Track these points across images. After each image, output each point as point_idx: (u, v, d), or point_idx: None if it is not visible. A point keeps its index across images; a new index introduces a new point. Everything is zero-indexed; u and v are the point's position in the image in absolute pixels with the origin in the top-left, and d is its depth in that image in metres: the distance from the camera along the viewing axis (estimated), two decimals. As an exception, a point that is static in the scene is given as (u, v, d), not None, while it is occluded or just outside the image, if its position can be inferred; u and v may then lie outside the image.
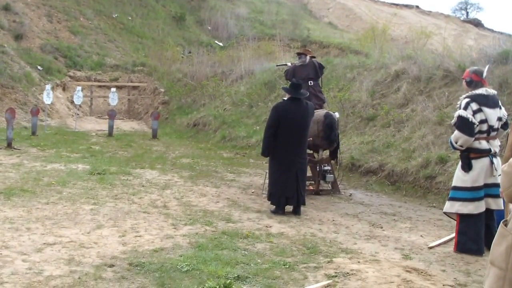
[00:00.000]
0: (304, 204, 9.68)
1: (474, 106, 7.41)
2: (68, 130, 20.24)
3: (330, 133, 11.08)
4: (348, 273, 6.30)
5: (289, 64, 12.90)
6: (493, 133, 7.55)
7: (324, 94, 12.98)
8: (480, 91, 7.54)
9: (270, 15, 41.20)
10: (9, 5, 27.62)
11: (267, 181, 10.19)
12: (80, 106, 23.63)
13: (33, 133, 17.59)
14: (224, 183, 11.92)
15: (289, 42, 31.18)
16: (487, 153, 7.49)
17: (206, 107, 22.41)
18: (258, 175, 12.96)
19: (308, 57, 12.25)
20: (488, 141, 7.52)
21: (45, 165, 12.47)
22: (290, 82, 10.47)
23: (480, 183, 7.47)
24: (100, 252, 6.71)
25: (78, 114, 23.16)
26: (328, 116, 11.17)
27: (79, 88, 21.67)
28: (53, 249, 6.71)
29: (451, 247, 7.73)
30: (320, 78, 12.33)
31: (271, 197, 9.67)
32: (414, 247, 7.77)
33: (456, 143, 7.54)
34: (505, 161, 6.56)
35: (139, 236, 7.50)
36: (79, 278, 5.78)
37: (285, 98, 9.91)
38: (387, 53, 18.91)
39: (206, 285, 5.60)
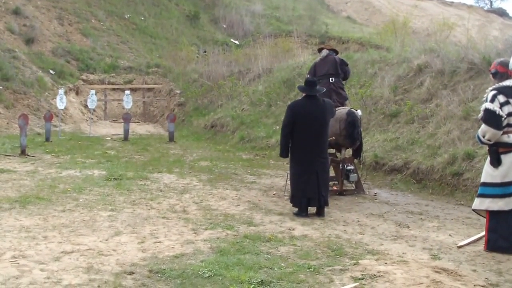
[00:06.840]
0: (327, 205, 9.51)
1: (501, 98, 7.25)
2: (83, 135, 20.29)
3: (352, 131, 10.92)
4: (375, 275, 6.19)
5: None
6: (522, 126, 7.33)
7: (346, 90, 12.72)
8: (507, 82, 7.38)
9: (286, 10, 41.19)
10: (19, 8, 27.77)
11: (288, 182, 10.05)
12: (94, 110, 23.67)
13: (47, 139, 17.59)
14: (244, 186, 11.81)
15: (307, 38, 31.08)
16: (516, 147, 7.30)
17: (223, 107, 22.33)
18: (279, 176, 12.85)
19: (325, 51, 12.06)
20: (517, 135, 7.32)
21: (60, 172, 12.42)
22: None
23: (510, 178, 7.28)
24: (119, 259, 6.60)
25: (92, 119, 23.17)
26: (350, 114, 11.00)
27: (93, 91, 21.64)
28: (71, 257, 6.61)
29: (481, 246, 7.57)
30: (343, 75, 12.02)
31: (292, 199, 9.54)
32: (443, 247, 7.62)
33: (483, 137, 7.38)
34: None
35: (158, 242, 7.38)
36: (98, 286, 5.69)
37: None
38: (409, 46, 18.72)
39: (229, 291, 5.49)
